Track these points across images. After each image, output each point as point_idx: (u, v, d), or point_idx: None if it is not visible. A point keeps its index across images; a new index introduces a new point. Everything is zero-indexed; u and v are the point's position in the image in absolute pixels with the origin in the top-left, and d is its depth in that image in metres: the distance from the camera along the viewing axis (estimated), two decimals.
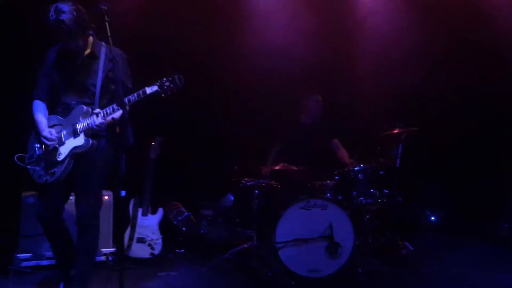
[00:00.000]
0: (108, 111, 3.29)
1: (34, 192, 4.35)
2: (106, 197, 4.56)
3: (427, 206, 5.84)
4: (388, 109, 5.50)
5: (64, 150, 3.31)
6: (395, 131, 4.60)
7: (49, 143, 3.31)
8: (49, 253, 4.30)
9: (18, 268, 4.21)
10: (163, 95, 3.13)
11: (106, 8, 2.89)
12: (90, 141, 3.34)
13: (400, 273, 4.28)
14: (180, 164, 5.40)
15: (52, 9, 3.14)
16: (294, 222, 4.21)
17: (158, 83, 3.14)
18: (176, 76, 3.12)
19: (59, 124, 3.38)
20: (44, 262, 4.30)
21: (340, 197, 4.52)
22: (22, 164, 3.34)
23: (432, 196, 5.86)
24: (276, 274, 4.14)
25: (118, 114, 3.25)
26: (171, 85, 3.12)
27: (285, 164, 4.60)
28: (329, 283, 4.13)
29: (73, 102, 3.38)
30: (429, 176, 5.78)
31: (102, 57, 3.37)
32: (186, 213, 5.17)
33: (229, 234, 4.94)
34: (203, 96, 5.47)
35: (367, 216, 4.54)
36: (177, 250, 4.95)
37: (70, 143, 3.33)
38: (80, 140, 3.34)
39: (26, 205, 4.36)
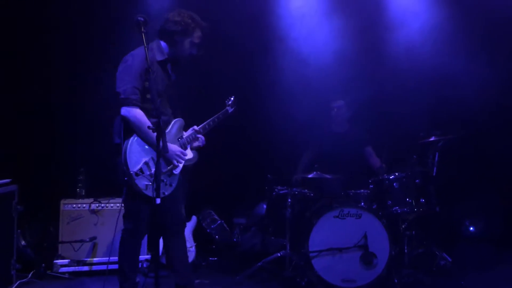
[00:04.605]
0: (207, 126, 3.63)
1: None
2: None
3: (466, 216, 5.66)
4: (427, 117, 5.37)
5: (180, 164, 3.38)
6: (432, 139, 4.50)
7: (180, 163, 3.34)
8: (87, 259, 4.42)
9: (57, 274, 4.32)
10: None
11: (143, 19, 2.97)
12: (197, 154, 3.54)
13: (438, 284, 4.16)
14: (213, 172, 5.44)
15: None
16: (327, 231, 4.17)
17: (230, 103, 3.90)
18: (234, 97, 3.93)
19: None
20: (83, 268, 4.40)
21: (374, 206, 4.45)
22: (132, 180, 3.13)
23: (472, 206, 5.67)
24: (309, 283, 4.11)
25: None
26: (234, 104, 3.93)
27: (318, 172, 4.56)
28: None
29: (168, 114, 3.41)
30: (469, 186, 5.60)
31: None
32: (219, 221, 5.20)
33: (262, 242, 4.93)
34: (236, 104, 5.50)
35: (403, 226, 4.44)
36: (211, 258, 4.98)
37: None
38: (190, 153, 3.50)
39: (65, 212, 4.48)
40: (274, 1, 5.42)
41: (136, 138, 3.20)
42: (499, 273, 4.57)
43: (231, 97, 3.96)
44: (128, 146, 3.17)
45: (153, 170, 3.17)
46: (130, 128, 3.19)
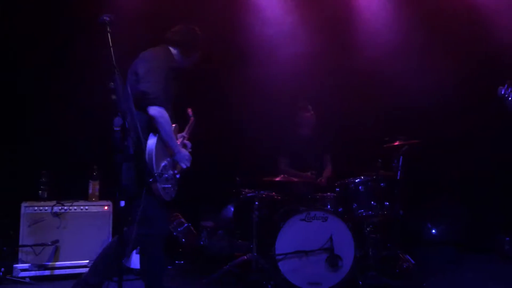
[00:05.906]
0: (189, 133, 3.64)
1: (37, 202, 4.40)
2: (106, 207, 4.57)
3: (429, 219, 5.80)
4: (392, 122, 5.48)
5: (187, 166, 3.43)
6: (396, 143, 4.59)
7: (187, 165, 3.38)
8: (48, 263, 4.30)
9: (17, 279, 4.19)
10: None
11: (108, 19, 2.91)
12: None
13: (401, 286, 4.24)
14: (180, 175, 5.38)
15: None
16: (294, 234, 4.19)
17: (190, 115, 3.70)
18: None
19: None
20: (44, 273, 4.29)
21: (340, 209, 4.50)
22: (155, 182, 3.07)
23: (435, 209, 5.82)
24: (276, 286, 4.12)
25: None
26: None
27: (285, 175, 4.59)
28: None
29: (172, 119, 3.36)
30: (432, 189, 5.75)
31: None
32: (186, 224, 5.15)
33: (229, 245, 4.91)
34: (205, 108, 5.48)
35: (368, 229, 4.51)
36: (177, 262, 4.93)
37: None
38: None
39: (26, 215, 4.35)
40: (244, 13, 5.51)
41: (157, 139, 3.14)
42: (460, 276, 4.69)
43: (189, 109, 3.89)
44: (154, 147, 3.11)
45: (170, 173, 3.23)
46: (153, 127, 3.13)
